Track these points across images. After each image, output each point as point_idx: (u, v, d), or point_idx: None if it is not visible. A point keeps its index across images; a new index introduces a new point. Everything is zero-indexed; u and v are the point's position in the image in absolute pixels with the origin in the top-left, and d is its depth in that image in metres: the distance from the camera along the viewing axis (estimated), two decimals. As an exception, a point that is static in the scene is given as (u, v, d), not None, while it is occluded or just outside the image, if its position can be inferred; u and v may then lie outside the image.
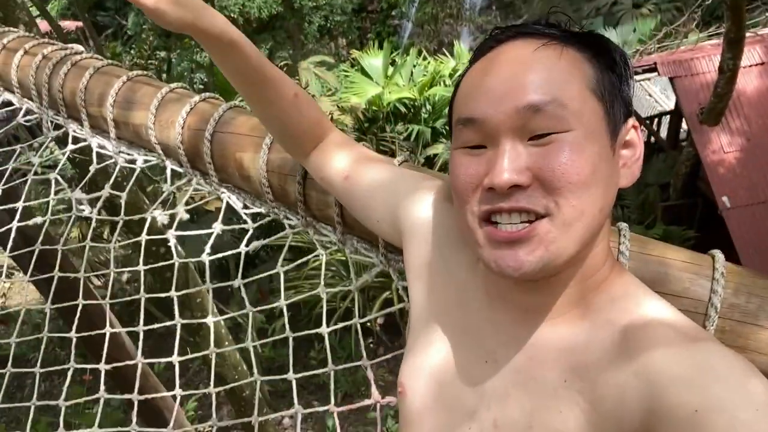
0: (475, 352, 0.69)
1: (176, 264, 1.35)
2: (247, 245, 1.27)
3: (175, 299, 1.37)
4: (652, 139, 8.99)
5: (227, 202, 1.28)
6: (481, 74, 0.63)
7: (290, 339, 1.23)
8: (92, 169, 1.47)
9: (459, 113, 0.64)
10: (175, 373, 1.37)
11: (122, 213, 1.48)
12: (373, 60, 9.76)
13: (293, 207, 1.14)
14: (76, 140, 1.50)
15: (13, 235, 1.56)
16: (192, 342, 3.66)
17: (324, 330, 1.17)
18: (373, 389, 1.10)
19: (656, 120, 9.28)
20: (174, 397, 1.35)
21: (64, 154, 1.54)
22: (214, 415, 1.33)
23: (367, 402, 1.11)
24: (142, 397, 1.37)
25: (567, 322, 0.64)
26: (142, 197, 3.21)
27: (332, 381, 1.18)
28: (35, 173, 1.58)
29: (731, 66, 5.26)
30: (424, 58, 10.80)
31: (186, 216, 1.33)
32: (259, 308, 1.30)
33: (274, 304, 1.27)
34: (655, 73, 7.45)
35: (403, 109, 9.16)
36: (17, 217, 1.57)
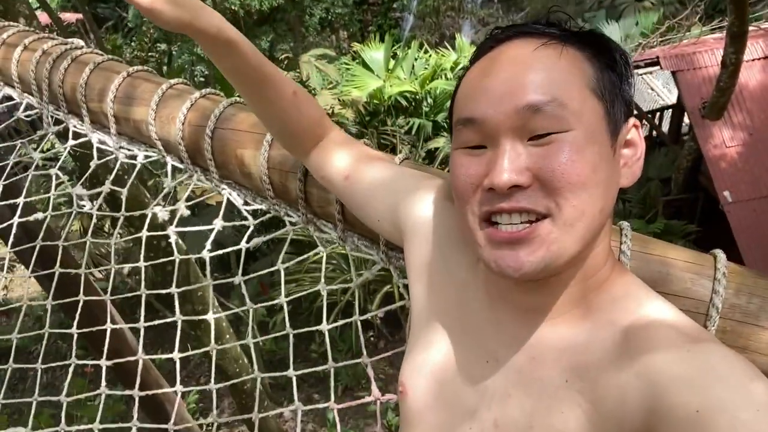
0: (476, 352, 0.69)
1: (177, 259, 1.35)
2: (247, 241, 1.27)
3: (176, 295, 1.37)
4: (654, 133, 8.97)
5: (228, 199, 1.28)
6: (480, 74, 0.63)
7: (290, 336, 1.23)
8: (93, 164, 1.47)
9: (459, 113, 0.64)
10: (176, 367, 1.37)
11: (123, 207, 1.48)
12: (375, 53, 9.74)
13: (294, 204, 1.14)
14: (76, 135, 1.50)
15: (14, 230, 1.56)
16: (193, 335, 3.67)
17: (324, 327, 1.18)
18: (374, 387, 1.10)
19: (658, 114, 9.26)
20: (175, 392, 1.36)
21: (65, 149, 1.54)
22: (214, 410, 1.34)
23: (367, 399, 1.11)
24: (143, 393, 1.38)
25: (568, 322, 0.64)
26: (143, 191, 3.22)
27: (332, 378, 1.19)
28: (36, 167, 1.58)
29: (734, 60, 5.24)
30: (426, 51, 10.78)
31: (187, 212, 1.33)
32: (259, 305, 1.30)
33: (275, 301, 1.27)
34: (658, 67, 7.43)
35: (404, 103, 9.15)
36: (18, 212, 1.57)
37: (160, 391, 1.57)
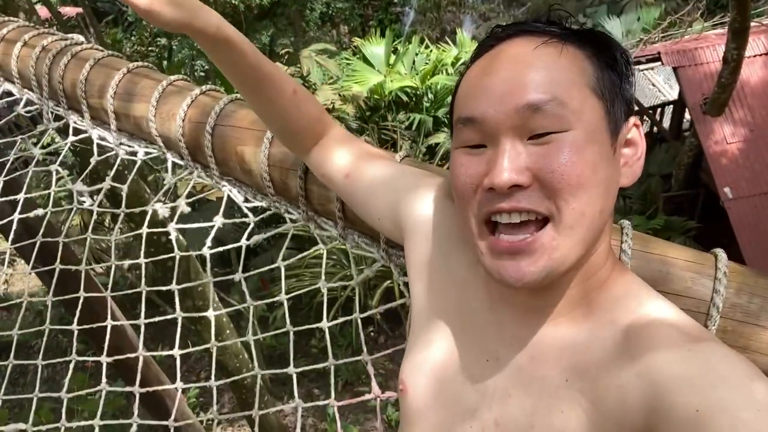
0: (477, 351, 0.69)
1: (177, 256, 1.36)
2: (248, 239, 1.27)
3: (176, 292, 1.37)
4: (655, 129, 8.96)
5: (228, 195, 1.28)
6: (481, 73, 0.63)
7: (291, 333, 1.23)
8: (93, 160, 1.47)
9: (459, 112, 0.64)
10: (177, 363, 1.38)
11: (124, 203, 1.48)
12: (375, 48, 9.70)
13: (294, 201, 1.14)
14: (76, 131, 1.50)
15: (14, 226, 1.56)
16: (193, 330, 3.68)
17: (325, 324, 1.18)
18: (374, 384, 1.10)
19: (659, 110, 9.24)
20: (176, 388, 1.36)
21: (65, 145, 1.54)
22: (215, 406, 1.34)
23: (368, 397, 1.11)
24: (143, 390, 1.38)
25: (569, 321, 0.64)
26: (143, 186, 3.21)
27: (332, 375, 1.19)
28: (36, 163, 1.57)
29: (735, 56, 5.22)
30: (427, 47, 10.75)
31: (187, 209, 1.33)
32: (259, 302, 1.30)
33: (275, 298, 1.27)
34: (659, 63, 7.41)
35: (404, 98, 9.13)
36: (19, 208, 1.57)
37: (160, 387, 1.57)
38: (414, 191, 0.82)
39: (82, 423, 1.39)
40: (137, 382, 1.39)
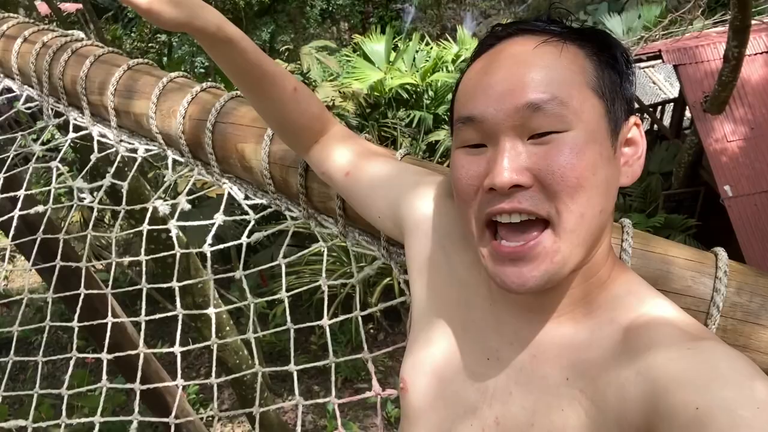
0: (477, 349, 0.69)
1: (177, 253, 1.36)
2: (248, 236, 1.27)
3: (177, 289, 1.37)
4: (655, 127, 8.95)
5: (229, 193, 1.28)
6: (481, 72, 0.63)
7: (291, 330, 1.23)
8: (93, 157, 1.46)
9: (459, 111, 0.64)
10: (177, 360, 1.38)
11: (124, 200, 1.48)
12: (376, 45, 9.69)
13: (295, 199, 1.14)
14: (77, 128, 1.49)
15: (15, 223, 1.56)
16: (193, 327, 3.68)
17: (325, 322, 1.18)
18: (374, 381, 1.10)
19: (660, 108, 9.23)
20: (176, 385, 1.36)
21: (65, 141, 1.54)
22: (215, 403, 1.34)
23: (368, 394, 1.12)
24: (144, 387, 1.38)
25: (569, 320, 0.64)
26: (143, 183, 3.21)
27: (333, 372, 1.19)
28: (36, 159, 1.57)
29: (736, 54, 5.22)
30: (427, 44, 10.74)
31: (188, 206, 1.33)
32: (259, 299, 1.30)
33: (276, 296, 1.27)
34: (660, 61, 7.40)
35: (405, 95, 9.12)
36: (19, 204, 1.57)
37: (161, 384, 1.57)
38: (414, 189, 0.82)
39: (83, 419, 1.39)
40: (138, 379, 1.39)
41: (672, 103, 8.88)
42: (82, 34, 1.54)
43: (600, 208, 0.59)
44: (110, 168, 1.47)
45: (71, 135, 1.49)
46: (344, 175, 0.90)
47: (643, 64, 9.40)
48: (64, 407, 1.41)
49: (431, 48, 10.42)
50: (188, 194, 1.35)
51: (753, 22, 5.32)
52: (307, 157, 0.97)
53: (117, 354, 1.47)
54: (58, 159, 1.57)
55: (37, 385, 1.49)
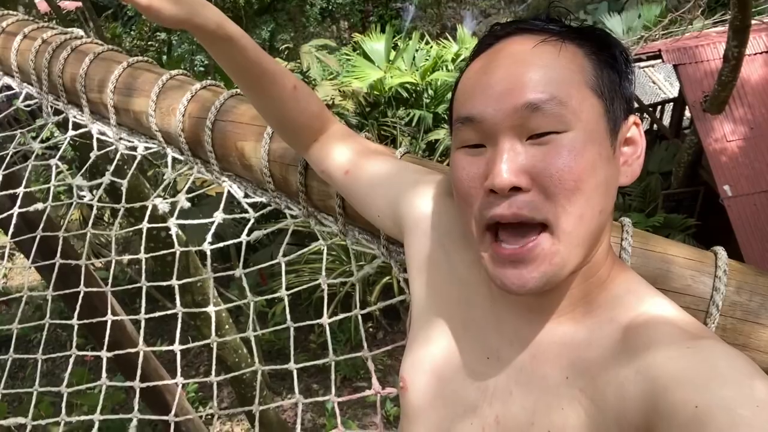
0: (477, 349, 0.69)
1: (177, 252, 1.36)
2: (248, 234, 1.27)
3: (176, 287, 1.37)
4: (655, 126, 8.95)
5: (228, 191, 1.28)
6: (479, 72, 0.62)
7: (291, 329, 1.23)
8: (93, 155, 1.46)
9: (458, 111, 0.64)
10: (177, 358, 1.38)
11: (123, 198, 1.48)
12: (375, 44, 9.69)
13: (294, 197, 1.14)
14: (76, 126, 1.49)
15: (14, 220, 1.56)
16: (193, 325, 3.68)
17: (325, 321, 1.18)
18: (374, 380, 1.10)
19: (659, 107, 9.23)
20: (176, 383, 1.36)
21: (65, 139, 1.54)
22: (215, 401, 1.34)
23: (368, 393, 1.12)
24: (143, 385, 1.38)
25: (570, 320, 0.64)
26: (142, 181, 3.21)
27: (333, 371, 1.19)
28: (36, 157, 1.57)
29: (736, 54, 5.23)
30: (427, 43, 10.74)
31: (187, 204, 1.33)
32: (259, 298, 1.30)
33: (275, 294, 1.27)
34: (660, 60, 7.39)
35: (404, 94, 9.12)
36: (18, 202, 1.57)
37: (160, 383, 1.58)
38: (414, 188, 0.82)
39: (82, 417, 1.39)
40: (137, 377, 1.39)
41: (672, 103, 8.88)
42: (81, 32, 1.54)
43: (599, 208, 0.59)
44: (110, 166, 1.46)
45: (70, 133, 1.49)
46: (344, 174, 0.90)
47: (642, 64, 9.40)
48: (63, 405, 1.41)
49: (431, 47, 10.42)
50: (188, 192, 1.35)
51: (753, 22, 5.32)
52: (306, 156, 0.97)
53: (116, 352, 1.47)
54: (57, 157, 1.57)
55: (37, 383, 1.49)
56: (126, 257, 1.54)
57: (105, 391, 1.37)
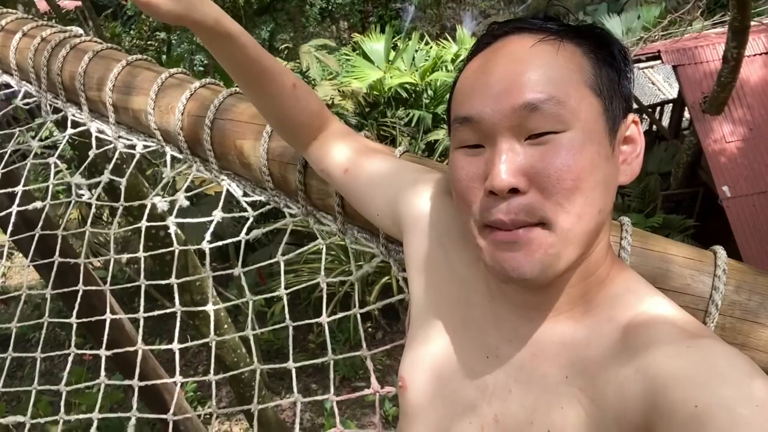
0: (477, 347, 0.69)
1: (176, 251, 1.35)
2: (247, 233, 1.27)
3: (175, 286, 1.37)
4: (654, 127, 8.95)
5: (227, 189, 1.28)
6: (477, 71, 0.62)
7: (290, 328, 1.23)
8: (91, 153, 1.46)
9: (456, 111, 0.63)
10: (176, 357, 1.38)
11: (122, 197, 1.48)
12: (375, 44, 9.69)
13: (293, 196, 1.14)
14: (75, 124, 1.49)
15: (13, 219, 1.56)
16: (192, 325, 3.68)
17: (324, 320, 1.18)
18: (373, 379, 1.10)
19: (658, 108, 9.24)
20: (175, 382, 1.36)
21: (63, 137, 1.53)
22: (213, 401, 1.34)
23: (366, 392, 1.12)
24: (142, 384, 1.38)
25: (569, 319, 0.64)
26: (141, 180, 3.21)
27: (332, 370, 1.19)
28: (34, 156, 1.57)
29: (735, 55, 5.23)
30: (426, 43, 10.74)
31: (186, 203, 1.33)
32: (258, 297, 1.30)
33: (274, 294, 1.27)
34: (659, 61, 7.40)
35: (404, 94, 9.12)
36: (17, 200, 1.56)
37: (159, 381, 1.57)
38: (413, 187, 0.82)
39: (81, 416, 1.39)
40: (136, 376, 1.39)
41: (671, 104, 8.89)
42: (81, 30, 1.54)
43: (599, 207, 0.59)
44: (108, 164, 1.46)
45: (69, 131, 1.49)
46: (343, 172, 0.90)
47: (642, 65, 9.39)
48: (62, 404, 1.41)
49: (431, 47, 10.42)
50: (186, 191, 1.34)
51: (752, 23, 5.32)
52: (305, 154, 0.96)
53: (115, 351, 1.46)
54: (56, 155, 1.57)
55: (35, 382, 1.49)
56: (125, 256, 1.54)
57: (103, 389, 1.37)
